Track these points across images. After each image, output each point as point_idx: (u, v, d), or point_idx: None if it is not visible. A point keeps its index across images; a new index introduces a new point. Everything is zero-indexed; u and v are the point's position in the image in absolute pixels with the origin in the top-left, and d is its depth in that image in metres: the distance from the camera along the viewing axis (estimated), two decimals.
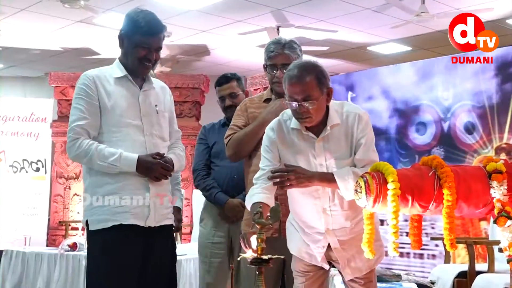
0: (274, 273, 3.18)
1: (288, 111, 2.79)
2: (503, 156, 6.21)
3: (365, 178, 2.32)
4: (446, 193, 2.29)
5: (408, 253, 6.94)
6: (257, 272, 2.40)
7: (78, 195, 8.86)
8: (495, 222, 2.38)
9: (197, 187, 4.04)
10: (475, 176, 2.42)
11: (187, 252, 5.74)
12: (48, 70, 9.81)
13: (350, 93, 7.64)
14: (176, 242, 6.27)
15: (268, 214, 2.55)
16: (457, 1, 6.95)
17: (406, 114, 7.13)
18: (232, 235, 3.87)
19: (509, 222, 2.35)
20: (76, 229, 8.41)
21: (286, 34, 8.02)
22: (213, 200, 3.89)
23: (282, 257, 2.64)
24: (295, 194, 2.83)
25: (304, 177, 2.66)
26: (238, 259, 2.50)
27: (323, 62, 9.29)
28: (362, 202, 2.32)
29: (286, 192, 2.85)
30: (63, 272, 6.50)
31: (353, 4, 7.13)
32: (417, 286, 4.62)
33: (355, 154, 2.74)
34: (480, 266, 5.07)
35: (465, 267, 5.02)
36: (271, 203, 2.67)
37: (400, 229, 2.29)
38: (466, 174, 2.40)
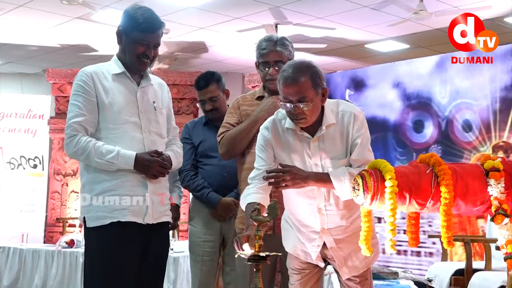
0: (269, 270, 3.18)
1: (283, 110, 2.78)
2: (500, 154, 6.21)
3: (362, 175, 2.32)
4: (444, 191, 2.29)
5: (405, 251, 6.95)
6: (255, 269, 2.40)
7: (75, 192, 8.86)
8: (492, 220, 2.39)
9: (186, 187, 3.99)
10: (472, 174, 2.42)
11: (184, 249, 5.74)
12: (45, 66, 9.80)
13: (348, 90, 7.64)
14: (173, 239, 6.29)
15: (266, 211, 2.55)
16: None
17: (405, 111, 7.13)
18: (224, 232, 3.87)
19: (506, 220, 2.35)
20: (74, 226, 8.43)
21: (284, 32, 8.01)
22: (205, 200, 3.86)
23: (280, 254, 2.64)
24: (290, 194, 2.82)
25: (299, 178, 2.65)
26: (236, 256, 2.49)
27: (321, 59, 9.27)
28: (360, 199, 2.32)
29: (280, 190, 2.84)
30: (60, 269, 6.51)
31: (351, 1, 7.12)
32: (414, 283, 4.62)
33: (350, 154, 2.73)
34: (477, 264, 5.08)
35: (462, 265, 5.03)
36: (266, 203, 2.66)
37: (398, 226, 2.29)
38: (464, 172, 2.40)
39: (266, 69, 3.30)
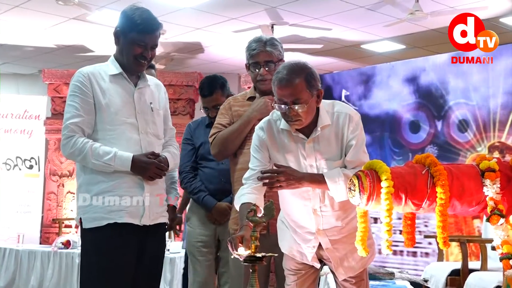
0: (264, 271, 3.18)
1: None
2: (496, 154, 6.22)
3: (358, 176, 2.32)
4: (440, 191, 2.30)
5: (401, 251, 6.96)
6: (251, 270, 2.40)
7: (71, 193, 8.84)
8: (488, 220, 2.39)
9: (184, 189, 4.02)
10: (468, 174, 2.42)
11: (181, 250, 5.74)
12: (41, 67, 9.77)
13: (343, 91, 7.65)
14: (169, 240, 6.29)
15: (262, 211, 2.55)
16: None
17: (401, 112, 7.14)
18: (219, 234, 3.88)
19: (501, 220, 2.35)
20: (70, 226, 8.42)
21: (280, 32, 8.01)
22: (201, 203, 3.88)
23: (276, 254, 2.64)
24: (285, 195, 2.81)
25: (294, 179, 2.65)
26: (232, 257, 2.49)
27: (317, 60, 9.27)
28: (356, 200, 2.33)
29: (276, 190, 2.84)
30: (56, 270, 6.50)
31: (348, 2, 7.12)
32: (410, 284, 4.63)
33: (345, 155, 2.72)
34: (473, 264, 5.09)
35: (458, 265, 5.04)
36: (261, 203, 2.66)
37: (394, 227, 2.30)
38: (460, 172, 2.41)
39: (257, 69, 3.30)
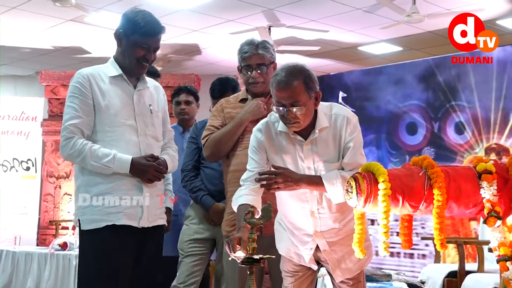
0: (258, 272, 3.18)
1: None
2: (493, 156, 6.24)
3: (356, 178, 2.32)
4: (437, 193, 2.30)
5: (398, 253, 6.97)
6: (249, 272, 2.40)
7: (68, 194, 8.82)
8: (485, 222, 2.40)
9: (184, 187, 4.04)
10: (465, 176, 2.43)
11: None
12: (38, 68, 9.76)
13: (341, 93, 7.66)
14: None
15: (259, 213, 2.55)
16: (448, 1, 6.96)
17: (398, 113, 7.15)
18: (215, 235, 3.88)
19: (498, 222, 2.36)
20: (67, 228, 8.39)
21: (278, 34, 8.02)
22: (199, 202, 3.89)
23: (273, 256, 2.64)
24: (283, 197, 2.82)
25: (291, 180, 2.65)
26: (229, 259, 2.49)
27: (314, 62, 9.28)
28: (353, 202, 2.33)
29: (271, 192, 2.84)
30: (53, 272, 6.48)
31: (345, 4, 7.13)
32: (408, 285, 4.63)
33: (343, 158, 2.73)
34: (470, 266, 5.10)
35: (455, 267, 5.05)
36: (258, 205, 2.67)
37: (391, 229, 2.30)
38: (457, 174, 2.41)
39: (249, 72, 3.32)
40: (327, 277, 4.12)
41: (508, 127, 6.25)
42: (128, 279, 2.92)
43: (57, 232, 8.27)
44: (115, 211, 2.89)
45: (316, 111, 2.72)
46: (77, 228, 2.99)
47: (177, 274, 3.95)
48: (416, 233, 6.51)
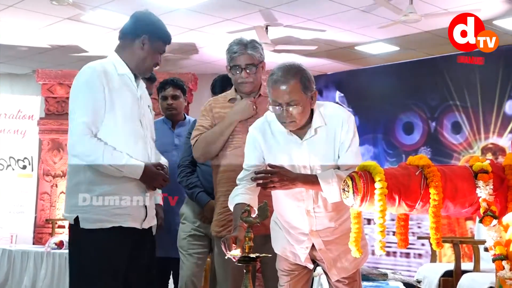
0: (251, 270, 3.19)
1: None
2: (489, 156, 6.25)
3: (352, 177, 2.33)
4: (433, 193, 2.31)
5: (394, 252, 6.98)
6: (245, 270, 2.40)
7: (65, 193, 8.82)
8: (480, 221, 2.40)
9: (180, 183, 4.03)
10: (461, 175, 2.43)
11: None
12: (35, 67, 9.74)
13: (338, 92, 7.67)
14: None
15: (256, 212, 2.55)
16: (445, 2, 6.96)
17: (394, 113, 7.15)
18: (211, 233, 3.89)
19: (494, 221, 2.37)
20: (63, 227, 8.39)
21: (275, 33, 8.02)
22: (195, 199, 3.88)
23: (270, 255, 2.64)
24: (279, 195, 2.82)
25: (287, 179, 2.65)
26: (226, 257, 2.49)
27: (311, 61, 9.27)
28: (350, 201, 2.33)
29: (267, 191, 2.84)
30: (49, 270, 6.49)
31: (342, 3, 7.13)
32: (404, 285, 4.64)
33: (339, 157, 2.73)
34: (466, 265, 5.11)
35: (451, 266, 5.06)
36: (255, 204, 2.67)
37: (387, 228, 2.31)
38: (453, 174, 2.42)
39: (238, 72, 3.32)
40: (323, 276, 4.13)
41: (500, 125, 6.27)
42: (122, 278, 2.90)
43: (53, 231, 8.26)
44: (121, 213, 2.86)
45: (312, 110, 2.73)
46: (72, 225, 2.91)
47: (180, 273, 3.95)
48: (412, 233, 6.51)
